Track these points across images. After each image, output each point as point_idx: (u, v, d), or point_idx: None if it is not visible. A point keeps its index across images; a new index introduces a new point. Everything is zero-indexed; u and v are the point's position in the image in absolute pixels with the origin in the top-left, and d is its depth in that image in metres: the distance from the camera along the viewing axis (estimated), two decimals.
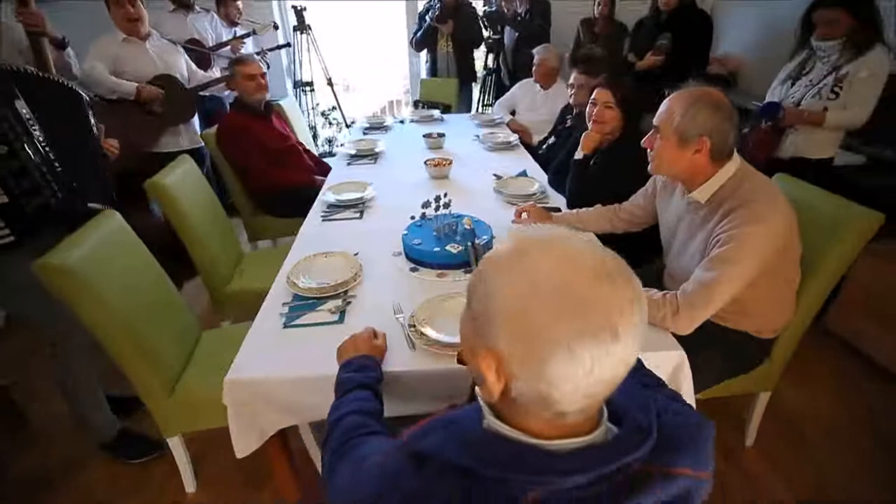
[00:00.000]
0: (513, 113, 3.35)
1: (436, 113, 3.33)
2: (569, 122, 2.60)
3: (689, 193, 1.30)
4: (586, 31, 3.33)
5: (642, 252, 1.72)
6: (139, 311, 1.32)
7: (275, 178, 2.33)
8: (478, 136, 2.83)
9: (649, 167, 1.32)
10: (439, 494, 0.49)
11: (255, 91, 2.28)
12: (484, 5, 3.60)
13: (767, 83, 2.39)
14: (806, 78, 2.03)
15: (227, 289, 1.90)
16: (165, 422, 1.41)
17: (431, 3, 3.75)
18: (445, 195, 1.57)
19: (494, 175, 2.21)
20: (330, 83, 3.75)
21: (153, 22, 2.52)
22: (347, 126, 4.06)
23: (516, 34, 3.52)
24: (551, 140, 2.69)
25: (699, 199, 1.26)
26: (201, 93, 2.70)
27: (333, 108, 4.05)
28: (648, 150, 1.30)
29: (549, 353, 0.45)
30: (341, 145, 4.44)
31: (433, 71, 3.88)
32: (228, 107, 3.22)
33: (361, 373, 0.95)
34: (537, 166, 2.35)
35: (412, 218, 1.59)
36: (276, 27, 3.47)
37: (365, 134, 2.96)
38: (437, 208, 1.56)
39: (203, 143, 2.71)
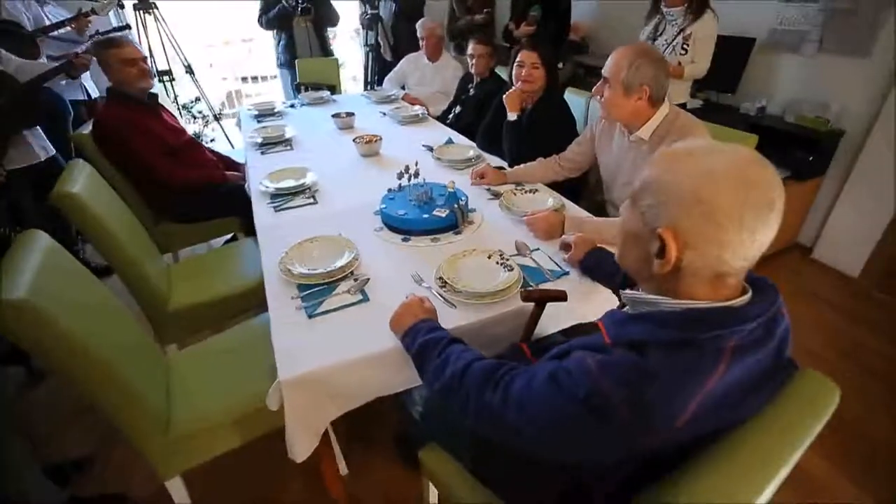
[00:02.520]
0: (402, 87, 3.38)
1: (326, 94, 3.19)
2: (471, 91, 2.75)
3: (631, 134, 1.54)
4: (460, 3, 3.48)
5: (580, 191, 2.00)
6: (110, 344, 1.10)
7: (183, 177, 2.03)
8: (384, 113, 2.82)
9: (600, 113, 1.52)
10: (675, 363, 0.59)
11: (138, 78, 1.93)
12: None
13: (610, 46, 2.85)
14: (662, 38, 2.47)
15: (168, 309, 1.64)
16: (164, 463, 1.21)
17: None
18: (416, 164, 1.59)
19: (424, 146, 2.26)
20: (189, 70, 3.29)
21: None
22: (216, 119, 3.63)
23: (394, 8, 3.51)
24: (457, 109, 2.81)
25: (643, 137, 1.50)
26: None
27: (197, 99, 3.57)
28: (598, 97, 1.49)
29: (725, 223, 0.58)
30: (212, 141, 3.96)
31: (291, 49, 3.64)
32: (69, 104, 2.68)
33: (437, 332, 0.97)
34: (457, 134, 2.45)
35: (389, 190, 1.58)
36: (121, 6, 2.89)
37: (259, 122, 2.71)
38: (409, 178, 1.57)
39: (54, 152, 2.23)
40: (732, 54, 2.65)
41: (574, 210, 1.65)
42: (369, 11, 3.46)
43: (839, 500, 1.48)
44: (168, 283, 1.73)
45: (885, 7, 2.20)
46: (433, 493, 1.21)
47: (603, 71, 1.45)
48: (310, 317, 1.14)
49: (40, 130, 2.16)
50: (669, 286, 0.66)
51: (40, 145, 2.10)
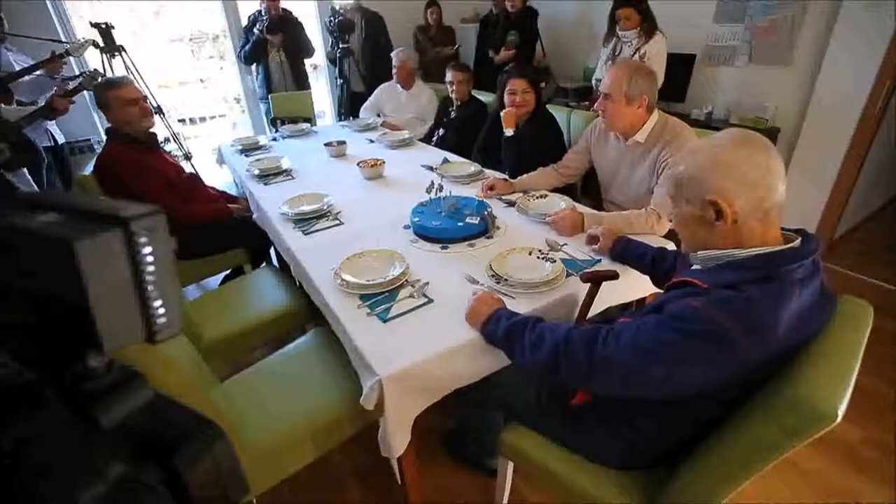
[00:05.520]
0: (378, 115, 3.51)
1: (306, 126, 3.25)
2: (453, 114, 2.92)
3: (627, 139, 1.75)
4: (424, 36, 3.69)
5: (571, 195, 2.20)
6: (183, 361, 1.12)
7: (191, 213, 2.02)
8: (371, 140, 2.93)
9: (603, 124, 1.73)
10: (767, 294, 0.75)
11: (141, 118, 1.93)
12: (331, 16, 3.62)
13: (568, 68, 3.17)
14: (620, 58, 2.79)
15: (205, 340, 1.63)
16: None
17: (257, 16, 3.61)
18: (442, 178, 1.71)
19: (423, 166, 2.38)
20: (160, 111, 3.25)
21: None
22: (187, 158, 3.58)
23: (362, 42, 3.66)
24: (441, 132, 2.97)
25: (640, 140, 1.71)
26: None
27: (166, 139, 3.50)
28: (601, 112, 1.69)
29: (746, 169, 0.78)
30: None
31: (267, 83, 3.73)
32: (42, 151, 2.59)
33: (519, 316, 1.08)
34: (449, 153, 2.59)
35: (422, 204, 1.68)
36: (96, 45, 2.83)
37: (247, 156, 2.73)
38: (436, 192, 1.69)
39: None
40: (678, 69, 3.01)
41: (583, 209, 1.82)
42: (340, 46, 3.58)
43: None
44: (193, 317, 1.72)
45: (798, 24, 2.62)
46: (509, 473, 1.29)
47: (602, 88, 1.66)
48: (384, 321, 1.21)
49: (24, 173, 2.08)
50: (734, 242, 0.82)
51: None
